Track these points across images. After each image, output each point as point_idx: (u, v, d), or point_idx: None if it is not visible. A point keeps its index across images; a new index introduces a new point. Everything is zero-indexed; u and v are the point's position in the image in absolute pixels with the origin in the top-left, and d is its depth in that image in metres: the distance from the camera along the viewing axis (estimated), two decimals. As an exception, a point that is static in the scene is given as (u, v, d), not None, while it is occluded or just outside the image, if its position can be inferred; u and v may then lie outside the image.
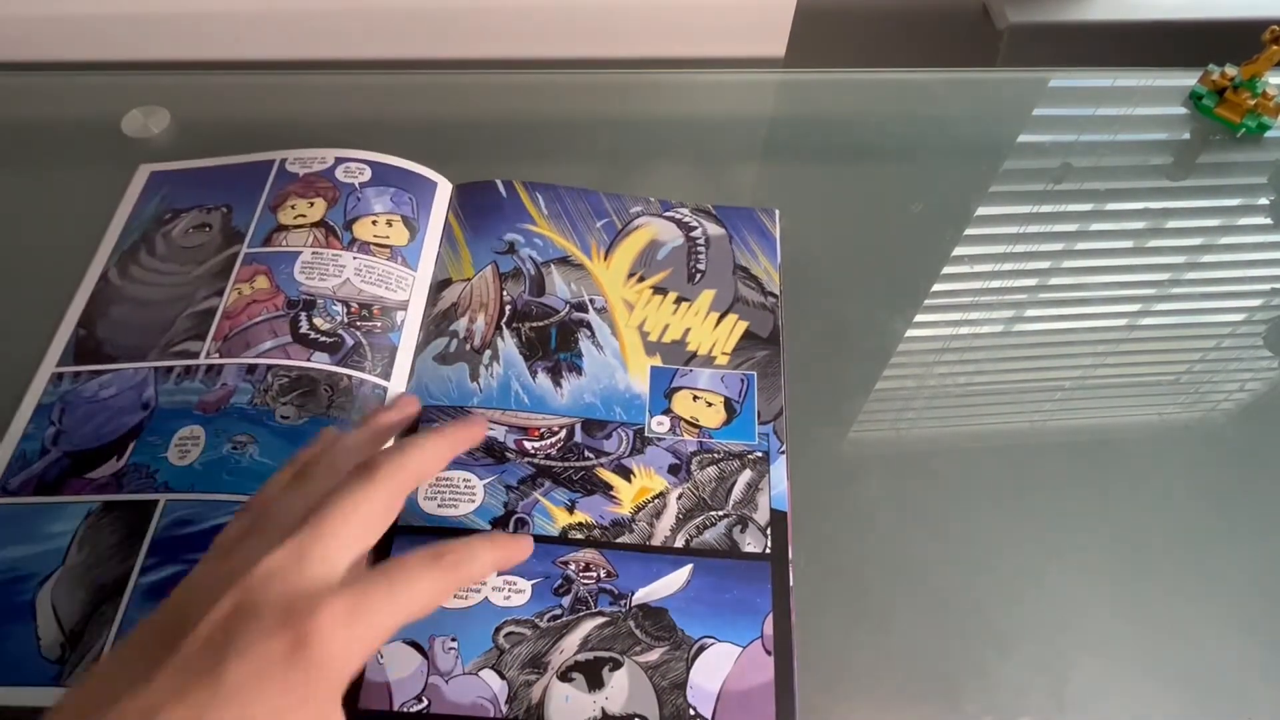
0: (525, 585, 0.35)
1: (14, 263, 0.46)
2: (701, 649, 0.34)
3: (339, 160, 0.48)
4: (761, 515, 0.38)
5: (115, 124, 0.51)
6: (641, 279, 0.45)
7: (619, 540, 0.36)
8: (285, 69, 0.58)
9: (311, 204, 0.46)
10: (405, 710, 0.31)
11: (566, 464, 0.38)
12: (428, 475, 0.33)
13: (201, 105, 0.53)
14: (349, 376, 0.40)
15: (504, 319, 0.43)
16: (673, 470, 0.39)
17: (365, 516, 0.28)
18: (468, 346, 0.42)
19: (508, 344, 0.42)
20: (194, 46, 0.57)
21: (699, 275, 0.46)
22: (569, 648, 0.34)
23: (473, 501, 0.37)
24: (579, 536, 0.36)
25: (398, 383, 0.40)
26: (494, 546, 0.31)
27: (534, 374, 0.41)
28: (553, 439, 0.39)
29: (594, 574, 0.35)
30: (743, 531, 0.37)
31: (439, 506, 0.37)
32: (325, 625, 0.24)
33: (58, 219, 0.47)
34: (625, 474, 0.38)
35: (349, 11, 0.56)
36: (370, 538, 0.28)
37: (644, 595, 0.35)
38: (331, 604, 0.25)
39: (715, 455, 0.39)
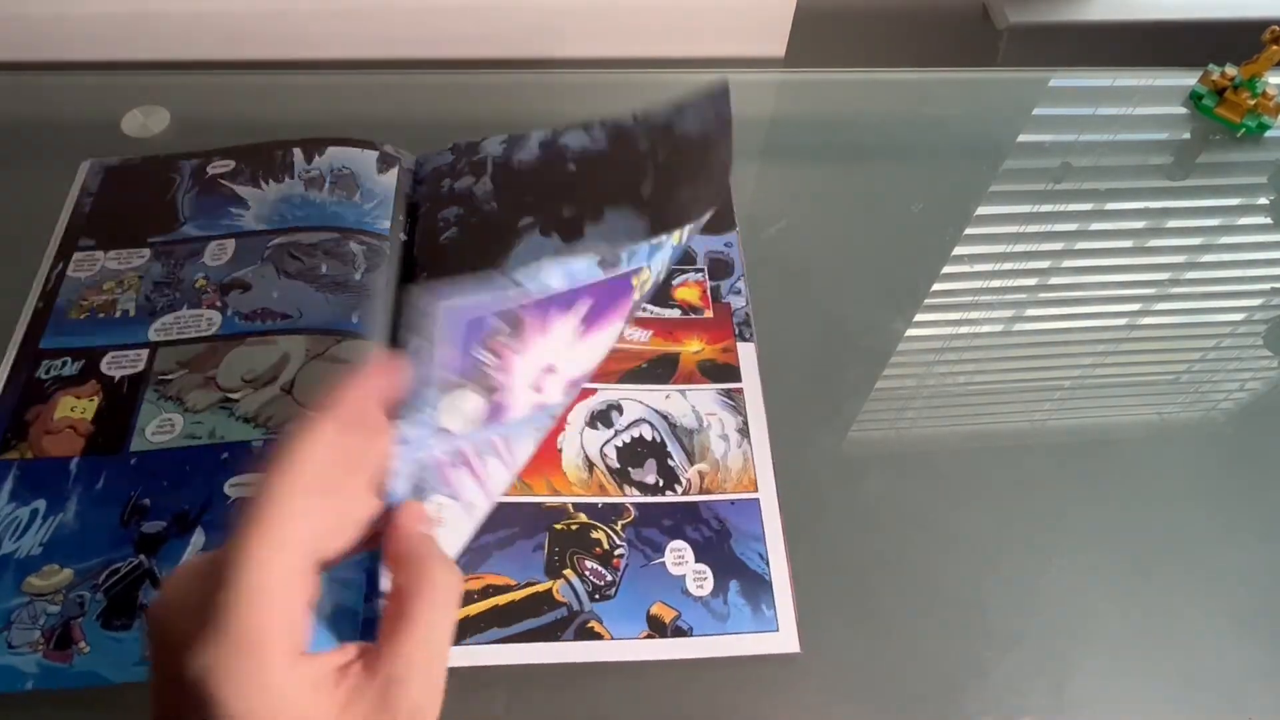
0: None
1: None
2: None
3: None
4: None
5: (115, 124, 0.51)
6: None
7: None
8: (285, 69, 0.58)
9: None
10: None
11: None
12: None
13: (201, 105, 0.53)
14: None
15: None
16: None
17: None
18: None
19: None
20: (194, 46, 0.57)
21: None
22: None
23: None
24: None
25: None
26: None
27: None
28: None
29: None
30: None
31: None
32: (173, 630, 0.22)
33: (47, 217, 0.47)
34: None
35: (349, 11, 0.56)
36: None
37: None
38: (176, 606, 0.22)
39: None
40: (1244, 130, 0.56)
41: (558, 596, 0.35)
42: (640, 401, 0.41)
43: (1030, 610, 0.38)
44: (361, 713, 0.22)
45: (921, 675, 0.36)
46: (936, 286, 0.49)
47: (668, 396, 0.42)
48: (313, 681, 0.22)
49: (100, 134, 0.51)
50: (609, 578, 0.36)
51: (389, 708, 0.23)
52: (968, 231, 0.51)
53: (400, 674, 0.23)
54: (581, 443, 0.39)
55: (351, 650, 0.24)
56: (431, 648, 0.24)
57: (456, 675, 0.33)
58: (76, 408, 0.39)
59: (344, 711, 0.22)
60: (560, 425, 0.40)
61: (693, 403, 0.42)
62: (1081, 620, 0.38)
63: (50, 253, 0.45)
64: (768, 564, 0.37)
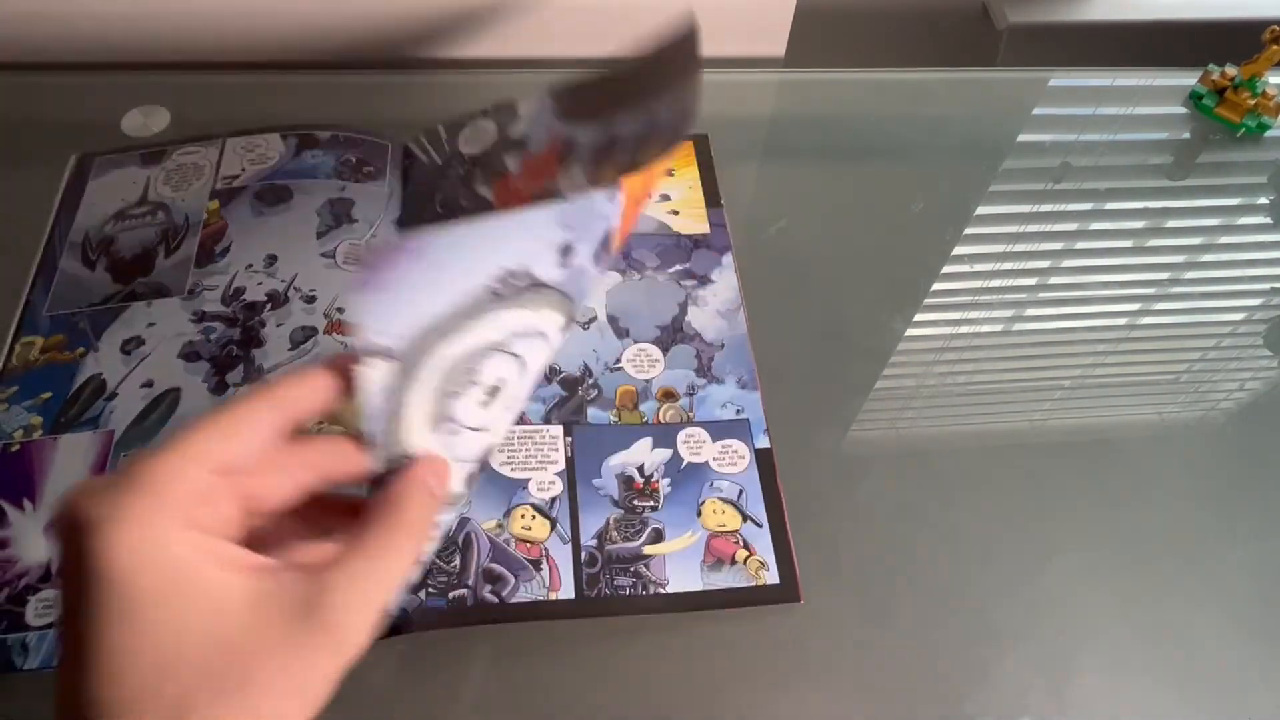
0: None
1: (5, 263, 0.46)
2: None
3: None
4: None
5: (115, 124, 0.51)
6: None
7: None
8: (285, 69, 0.58)
9: None
10: None
11: None
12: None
13: (201, 105, 0.53)
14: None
15: None
16: None
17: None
18: None
19: None
20: (194, 46, 0.57)
21: None
22: None
23: None
24: None
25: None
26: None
27: None
28: None
29: None
30: None
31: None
32: (75, 495, 0.21)
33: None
34: None
35: (348, 11, 0.56)
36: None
37: None
38: (86, 481, 0.22)
39: None
40: (1244, 130, 0.56)
41: None
42: None
43: (1030, 610, 0.38)
44: (278, 613, 0.21)
45: (921, 675, 0.36)
46: (936, 286, 0.49)
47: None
48: (211, 553, 0.21)
49: (100, 134, 0.51)
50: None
51: (314, 618, 0.21)
52: (968, 231, 0.51)
53: (337, 584, 0.21)
54: None
55: (285, 562, 0.22)
56: (380, 580, 0.22)
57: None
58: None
59: (257, 604, 0.21)
60: None
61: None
62: (1081, 620, 0.38)
63: (43, 249, 0.45)
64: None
